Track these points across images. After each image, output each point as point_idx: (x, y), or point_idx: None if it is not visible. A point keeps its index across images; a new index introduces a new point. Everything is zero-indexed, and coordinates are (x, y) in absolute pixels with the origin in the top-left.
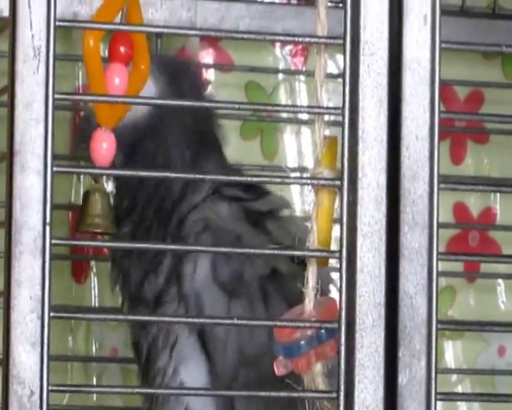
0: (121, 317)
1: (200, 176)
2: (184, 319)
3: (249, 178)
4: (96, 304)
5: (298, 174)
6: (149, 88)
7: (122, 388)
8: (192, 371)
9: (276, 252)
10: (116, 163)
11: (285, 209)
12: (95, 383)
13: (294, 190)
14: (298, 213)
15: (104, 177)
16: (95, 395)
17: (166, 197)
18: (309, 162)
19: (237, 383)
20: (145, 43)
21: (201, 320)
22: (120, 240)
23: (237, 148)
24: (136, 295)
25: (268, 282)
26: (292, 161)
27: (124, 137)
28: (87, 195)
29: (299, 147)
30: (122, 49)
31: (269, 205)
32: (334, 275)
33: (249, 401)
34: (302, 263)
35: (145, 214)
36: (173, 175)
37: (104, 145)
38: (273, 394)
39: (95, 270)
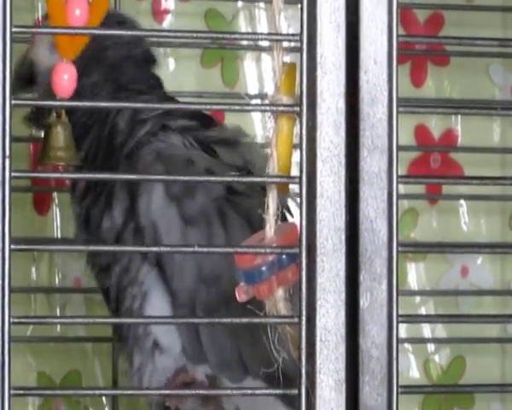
0: (83, 247)
1: (169, 105)
2: (145, 248)
3: (209, 106)
4: (59, 235)
5: (259, 101)
6: None
7: (85, 318)
8: (156, 305)
9: (235, 179)
10: None
11: (240, 138)
12: (58, 314)
13: (256, 117)
14: (259, 140)
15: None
16: (58, 325)
17: (114, 133)
18: (270, 89)
19: (197, 303)
20: None
21: (162, 249)
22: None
23: (198, 76)
24: (97, 238)
25: (224, 202)
26: (253, 88)
27: None
28: (49, 127)
29: (259, 74)
30: None
31: (220, 133)
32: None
33: (212, 324)
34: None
35: (95, 153)
36: (129, 105)
37: (65, 77)
38: (235, 320)
39: (57, 201)
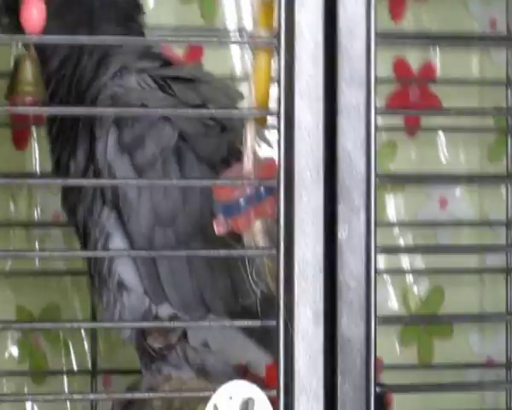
0: (60, 181)
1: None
2: (126, 180)
3: (187, 40)
4: (38, 170)
5: (237, 35)
6: None
7: (64, 252)
8: (118, 247)
9: (212, 112)
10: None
11: (199, 76)
12: (37, 248)
13: (234, 51)
14: (237, 74)
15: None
16: (37, 259)
17: (81, 77)
18: (248, 23)
19: (154, 243)
20: None
21: (140, 182)
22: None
23: (176, 11)
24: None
25: (179, 146)
26: (231, 23)
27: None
28: (18, 62)
29: (237, 8)
30: None
31: (178, 72)
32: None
33: (171, 262)
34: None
35: (67, 96)
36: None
37: (34, 12)
38: (213, 252)
39: (35, 136)
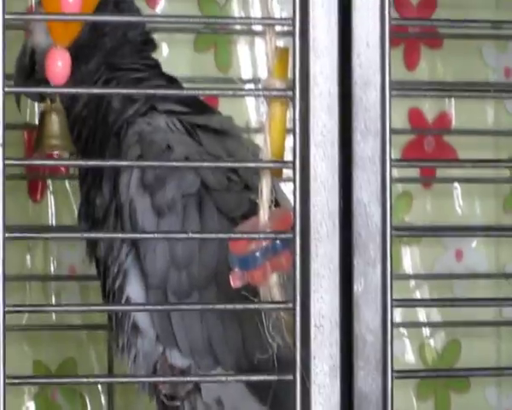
0: (77, 235)
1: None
2: (139, 235)
3: (202, 91)
4: (54, 223)
5: (252, 86)
6: None
7: (80, 306)
8: (135, 286)
9: (229, 164)
10: None
11: (228, 129)
12: (53, 301)
13: (249, 101)
14: (252, 125)
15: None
16: (54, 313)
17: (106, 113)
18: (263, 73)
19: (169, 287)
20: None
21: (156, 236)
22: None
23: (191, 61)
24: (93, 217)
25: (200, 193)
26: (246, 73)
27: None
28: (43, 115)
29: (253, 58)
30: None
31: (208, 121)
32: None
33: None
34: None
35: (93, 135)
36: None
37: (59, 64)
38: (229, 306)
39: (51, 188)
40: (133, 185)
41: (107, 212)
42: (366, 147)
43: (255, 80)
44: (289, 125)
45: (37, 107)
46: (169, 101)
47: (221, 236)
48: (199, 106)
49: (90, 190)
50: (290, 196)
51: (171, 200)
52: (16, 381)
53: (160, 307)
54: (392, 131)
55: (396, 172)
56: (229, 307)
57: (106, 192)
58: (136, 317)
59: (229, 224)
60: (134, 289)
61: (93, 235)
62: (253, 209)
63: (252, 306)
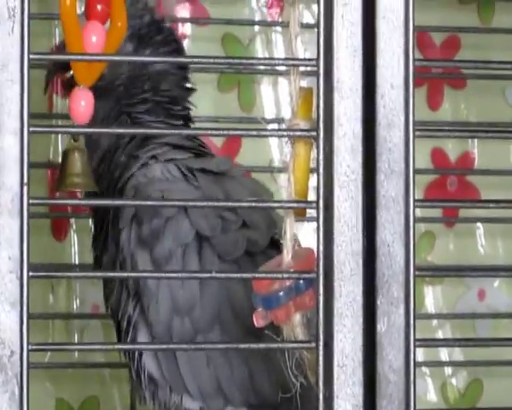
0: (100, 274)
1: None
2: (159, 274)
3: (225, 132)
4: (77, 261)
5: (276, 126)
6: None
7: (103, 344)
8: (144, 339)
9: (251, 204)
10: None
11: (226, 170)
12: (76, 340)
13: (273, 141)
14: (277, 164)
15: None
16: (76, 351)
17: (114, 168)
18: (287, 113)
19: (174, 335)
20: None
21: (170, 275)
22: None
23: (214, 100)
24: (101, 262)
25: (197, 242)
26: (269, 113)
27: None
28: (66, 153)
29: (276, 98)
30: (99, 6)
31: (205, 164)
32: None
33: (190, 352)
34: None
35: (107, 185)
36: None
37: (82, 103)
38: (253, 345)
39: (74, 227)
40: (133, 241)
41: (114, 266)
42: (390, 187)
43: (278, 120)
44: (313, 164)
45: (60, 145)
46: (170, 150)
47: (245, 275)
48: (199, 153)
49: (97, 247)
50: (314, 236)
51: (168, 252)
52: None
53: (182, 346)
54: (416, 171)
55: (419, 212)
56: (254, 346)
57: (111, 249)
58: (150, 368)
59: (231, 264)
60: (142, 336)
61: (111, 274)
62: (252, 247)
63: (275, 345)
